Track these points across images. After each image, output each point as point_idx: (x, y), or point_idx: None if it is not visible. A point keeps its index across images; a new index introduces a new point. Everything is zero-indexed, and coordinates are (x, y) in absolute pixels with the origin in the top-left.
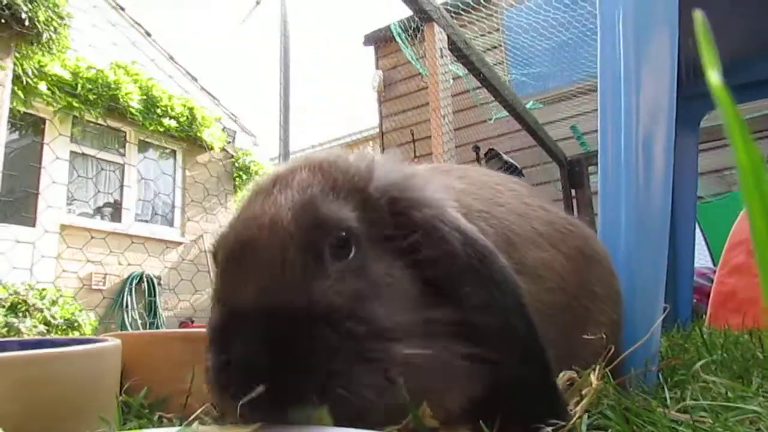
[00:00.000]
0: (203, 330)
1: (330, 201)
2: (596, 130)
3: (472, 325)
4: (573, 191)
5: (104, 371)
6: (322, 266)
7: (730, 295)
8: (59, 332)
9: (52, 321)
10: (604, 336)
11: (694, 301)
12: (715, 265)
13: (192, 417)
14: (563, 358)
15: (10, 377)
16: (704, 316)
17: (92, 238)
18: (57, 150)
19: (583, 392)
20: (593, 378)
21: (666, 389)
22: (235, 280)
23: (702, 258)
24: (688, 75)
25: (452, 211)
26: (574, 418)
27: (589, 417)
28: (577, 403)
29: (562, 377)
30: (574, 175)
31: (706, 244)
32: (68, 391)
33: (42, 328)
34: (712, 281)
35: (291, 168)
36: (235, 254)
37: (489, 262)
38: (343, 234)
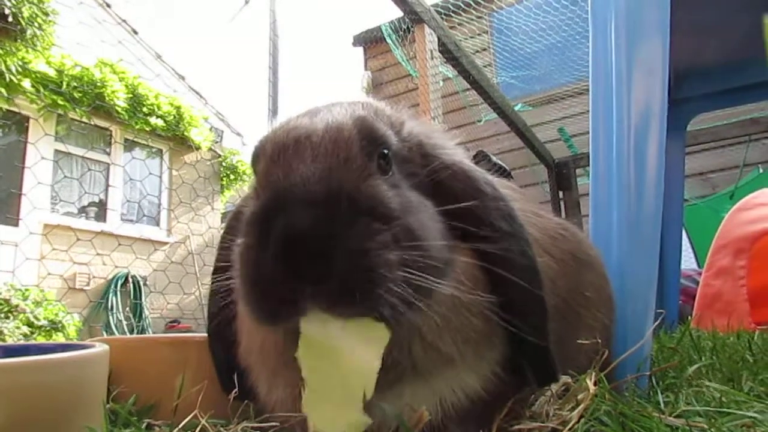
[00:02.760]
0: (192, 335)
1: (377, 121)
2: (584, 133)
3: (491, 256)
4: (561, 193)
5: (91, 378)
6: (374, 172)
7: (716, 297)
8: (43, 333)
9: (36, 322)
10: (598, 341)
11: (680, 302)
12: (699, 266)
13: (182, 423)
14: (557, 357)
15: None
16: (690, 318)
17: (77, 238)
18: (41, 149)
19: (579, 397)
20: (590, 383)
21: (659, 393)
22: (289, 168)
23: (687, 260)
24: (676, 79)
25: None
26: (571, 424)
27: (585, 423)
28: (573, 408)
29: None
30: (562, 177)
31: (691, 246)
32: (54, 400)
33: (25, 329)
34: (697, 283)
35: (329, 103)
36: (291, 146)
37: (508, 200)
38: (387, 152)
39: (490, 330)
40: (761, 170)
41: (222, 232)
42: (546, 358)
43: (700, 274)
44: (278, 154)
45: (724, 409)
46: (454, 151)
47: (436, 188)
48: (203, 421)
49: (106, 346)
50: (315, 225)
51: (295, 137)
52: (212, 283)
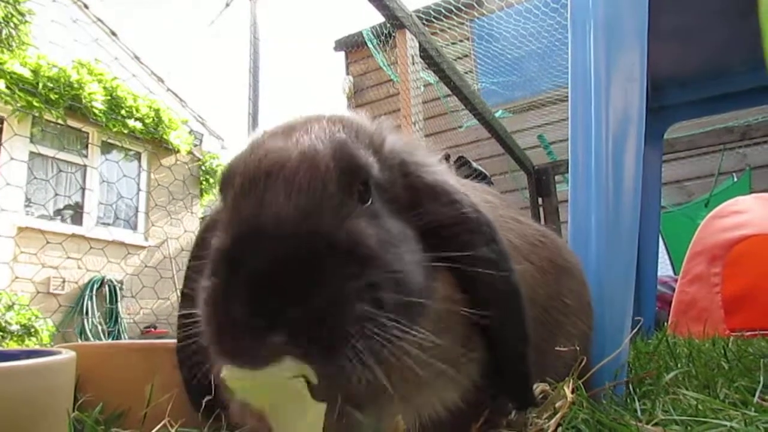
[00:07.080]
0: (163, 341)
1: (357, 148)
2: (563, 140)
3: (473, 283)
4: (540, 199)
5: (56, 386)
6: (353, 207)
7: (691, 303)
8: (15, 338)
9: (7, 327)
10: (577, 348)
11: (656, 308)
12: (675, 273)
13: None
14: (535, 371)
15: None
16: (665, 324)
17: (50, 242)
18: (15, 150)
19: (557, 405)
20: (567, 391)
21: (636, 400)
22: (260, 203)
23: (663, 266)
24: (654, 88)
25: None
26: None
27: (562, 431)
28: (551, 417)
29: (536, 390)
30: (542, 183)
31: (667, 252)
32: (15, 410)
33: None
34: (673, 289)
35: (306, 118)
36: (262, 179)
37: (492, 225)
38: (366, 181)
39: (470, 349)
40: (735, 178)
41: (189, 258)
42: (524, 384)
43: (676, 280)
44: (249, 186)
45: (701, 418)
46: (437, 168)
47: (417, 210)
48: (173, 431)
49: (72, 353)
50: (288, 272)
51: (266, 168)
52: (180, 308)
